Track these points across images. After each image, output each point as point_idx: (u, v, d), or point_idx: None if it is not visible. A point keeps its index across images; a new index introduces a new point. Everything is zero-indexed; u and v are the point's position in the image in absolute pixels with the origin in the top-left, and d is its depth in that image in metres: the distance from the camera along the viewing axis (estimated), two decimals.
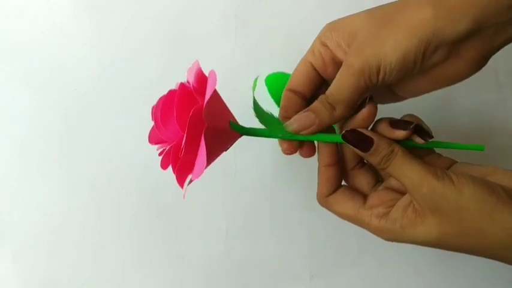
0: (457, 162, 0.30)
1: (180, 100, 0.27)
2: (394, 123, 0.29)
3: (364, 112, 0.29)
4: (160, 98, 0.29)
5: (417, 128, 0.29)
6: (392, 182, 0.31)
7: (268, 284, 0.45)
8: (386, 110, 0.39)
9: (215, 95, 0.27)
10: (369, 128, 0.30)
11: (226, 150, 0.30)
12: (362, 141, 0.28)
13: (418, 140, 0.29)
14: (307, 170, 0.34)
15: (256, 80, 0.32)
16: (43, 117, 0.45)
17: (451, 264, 0.43)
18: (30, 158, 0.45)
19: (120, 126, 0.45)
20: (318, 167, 0.31)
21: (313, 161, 0.32)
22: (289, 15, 0.43)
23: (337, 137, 0.30)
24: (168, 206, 0.45)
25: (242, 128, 0.31)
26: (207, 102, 0.26)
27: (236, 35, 0.43)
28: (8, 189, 0.46)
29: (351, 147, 0.29)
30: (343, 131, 0.29)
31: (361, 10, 0.42)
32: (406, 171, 0.27)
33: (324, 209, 0.32)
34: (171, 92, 0.29)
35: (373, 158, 0.28)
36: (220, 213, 0.45)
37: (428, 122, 0.30)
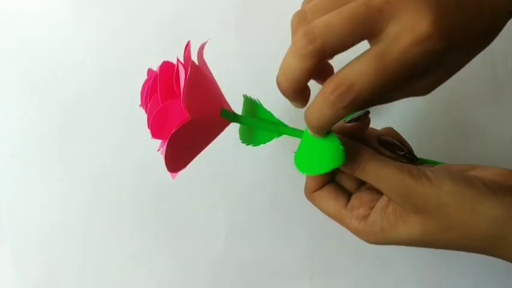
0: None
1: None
2: (384, 141, 0.29)
3: (356, 124, 0.28)
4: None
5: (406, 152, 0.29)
6: None
7: (268, 284, 0.45)
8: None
9: (195, 76, 0.26)
10: None
11: (215, 137, 0.30)
12: None
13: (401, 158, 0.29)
14: None
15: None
16: (43, 117, 0.45)
17: (451, 265, 0.43)
18: (30, 158, 0.45)
19: (120, 127, 0.45)
20: None
21: None
22: (288, 17, 0.43)
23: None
24: (168, 206, 0.45)
25: (235, 116, 0.30)
26: (185, 89, 0.25)
27: (236, 37, 0.43)
28: (8, 190, 0.46)
29: None
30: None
31: None
32: (378, 174, 0.26)
33: None
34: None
35: None
36: (220, 213, 0.45)
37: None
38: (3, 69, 0.45)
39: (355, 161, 0.27)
